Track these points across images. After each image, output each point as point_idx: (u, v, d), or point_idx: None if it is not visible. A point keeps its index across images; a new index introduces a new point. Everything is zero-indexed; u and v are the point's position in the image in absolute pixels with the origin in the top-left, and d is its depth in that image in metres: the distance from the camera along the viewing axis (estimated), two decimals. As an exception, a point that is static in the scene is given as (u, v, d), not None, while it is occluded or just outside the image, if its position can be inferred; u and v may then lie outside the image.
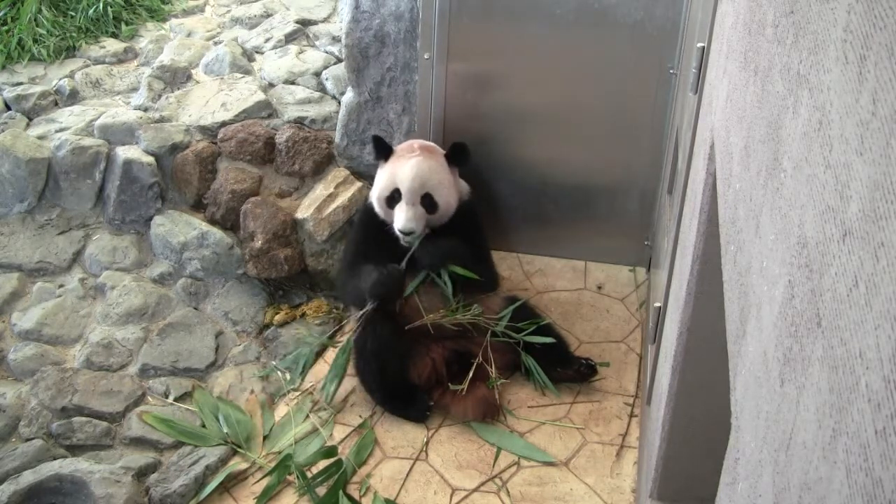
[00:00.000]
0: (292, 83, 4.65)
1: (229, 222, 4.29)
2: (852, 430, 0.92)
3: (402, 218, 3.73)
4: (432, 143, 3.96)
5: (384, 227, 3.86)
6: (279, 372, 3.93)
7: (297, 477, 3.41)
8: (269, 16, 5.21)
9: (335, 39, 4.84)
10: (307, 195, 4.36)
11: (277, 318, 4.15)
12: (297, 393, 3.83)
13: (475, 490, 3.47)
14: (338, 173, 4.38)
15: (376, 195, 3.84)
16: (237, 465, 3.54)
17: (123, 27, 5.15)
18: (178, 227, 4.24)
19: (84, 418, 3.67)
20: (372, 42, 4.10)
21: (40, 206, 4.34)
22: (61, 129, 4.41)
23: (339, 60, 4.69)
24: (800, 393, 1.13)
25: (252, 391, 3.84)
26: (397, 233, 3.76)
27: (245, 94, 4.54)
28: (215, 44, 5.00)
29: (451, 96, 4.11)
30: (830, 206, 1.08)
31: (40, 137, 4.38)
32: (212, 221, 4.29)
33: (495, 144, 4.22)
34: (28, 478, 3.35)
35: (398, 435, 3.68)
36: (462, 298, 3.81)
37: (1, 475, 3.39)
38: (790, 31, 1.40)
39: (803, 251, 1.18)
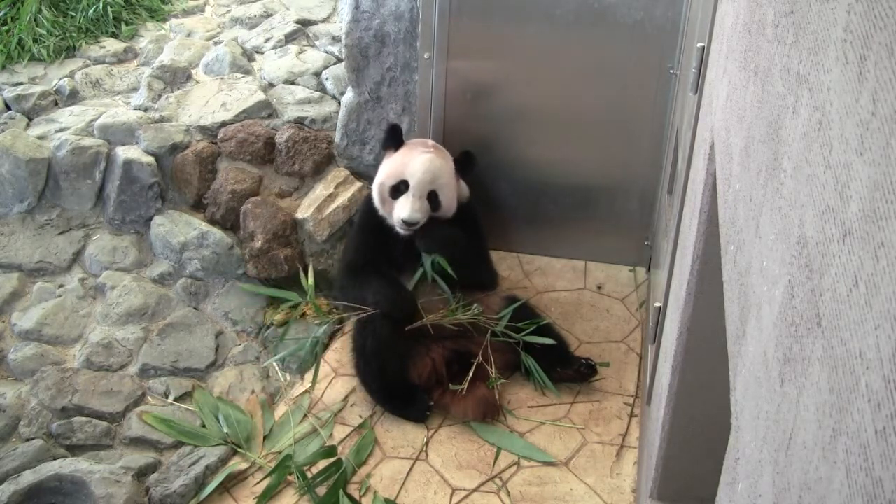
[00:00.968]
0: (292, 83, 4.65)
1: (229, 222, 4.29)
2: (852, 430, 0.92)
3: (407, 207, 3.73)
4: (443, 147, 3.97)
5: (385, 227, 3.86)
6: (278, 371, 3.93)
7: (297, 477, 3.41)
8: (269, 16, 5.22)
9: (335, 39, 4.84)
10: (307, 195, 4.36)
11: (277, 318, 4.15)
12: (297, 394, 3.83)
13: (475, 490, 3.47)
14: (338, 173, 4.38)
15: (379, 183, 3.83)
16: (237, 465, 3.54)
17: (123, 27, 5.15)
18: (178, 227, 4.24)
19: (84, 418, 3.67)
20: (372, 42, 4.10)
21: (40, 206, 4.34)
22: (61, 129, 4.41)
23: (339, 60, 4.69)
24: (800, 393, 1.13)
25: (252, 391, 3.85)
26: (398, 223, 3.75)
27: (245, 94, 4.54)
28: (215, 44, 5.00)
29: (451, 96, 4.11)
30: (830, 206, 1.08)
31: (40, 137, 4.38)
32: (212, 221, 4.29)
33: (495, 144, 4.22)
34: (28, 478, 3.35)
35: (398, 435, 3.68)
36: (462, 298, 3.81)
37: (1, 475, 3.39)
38: (790, 31, 1.40)
39: (803, 251, 1.18)
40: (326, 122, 4.43)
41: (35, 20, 4.94)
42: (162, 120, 4.44)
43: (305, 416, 3.73)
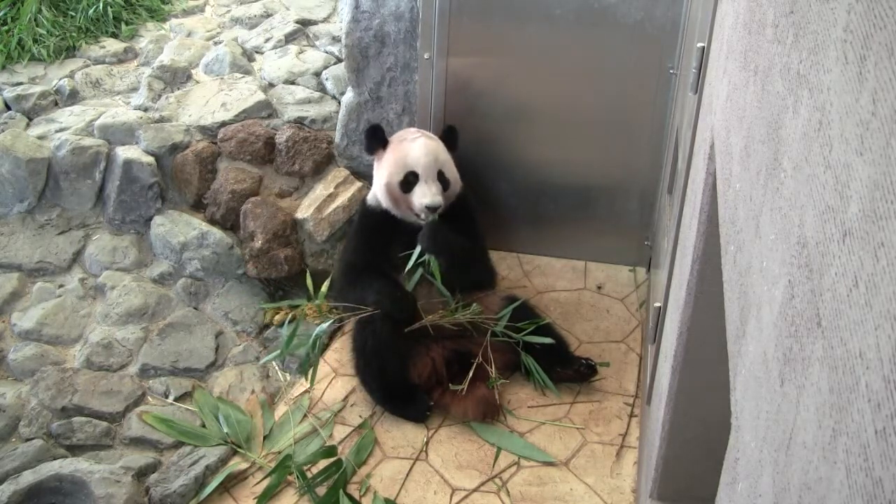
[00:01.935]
0: (292, 83, 4.65)
1: (229, 222, 4.29)
2: (852, 430, 0.92)
3: (427, 194, 3.76)
4: (425, 130, 3.99)
5: (384, 229, 3.86)
6: (278, 371, 3.93)
7: (297, 477, 3.41)
8: (269, 16, 5.22)
9: (335, 39, 4.84)
10: (307, 195, 4.36)
11: (277, 318, 4.16)
12: (297, 394, 3.83)
13: (475, 490, 3.47)
14: (338, 173, 4.38)
15: (385, 183, 3.82)
16: (237, 465, 3.54)
17: (123, 27, 5.15)
18: (178, 227, 4.24)
19: (84, 418, 3.67)
20: (372, 42, 4.10)
21: (40, 206, 4.34)
22: (61, 129, 4.41)
23: (339, 60, 4.69)
24: (800, 393, 1.13)
25: (252, 391, 3.85)
26: (422, 211, 3.76)
27: (245, 94, 4.54)
28: (215, 44, 5.00)
29: (451, 96, 4.11)
30: (830, 206, 1.08)
31: (40, 137, 4.38)
32: (212, 221, 4.29)
33: (495, 144, 4.22)
34: (28, 478, 3.35)
35: (398, 435, 3.68)
36: (461, 298, 3.81)
37: (1, 475, 3.39)
38: (790, 31, 1.40)
39: (803, 251, 1.18)
40: (326, 122, 4.43)
41: (35, 20, 4.94)
42: (162, 120, 4.44)
43: (305, 416, 3.73)
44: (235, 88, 4.58)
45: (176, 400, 3.80)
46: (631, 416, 3.75)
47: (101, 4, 5.10)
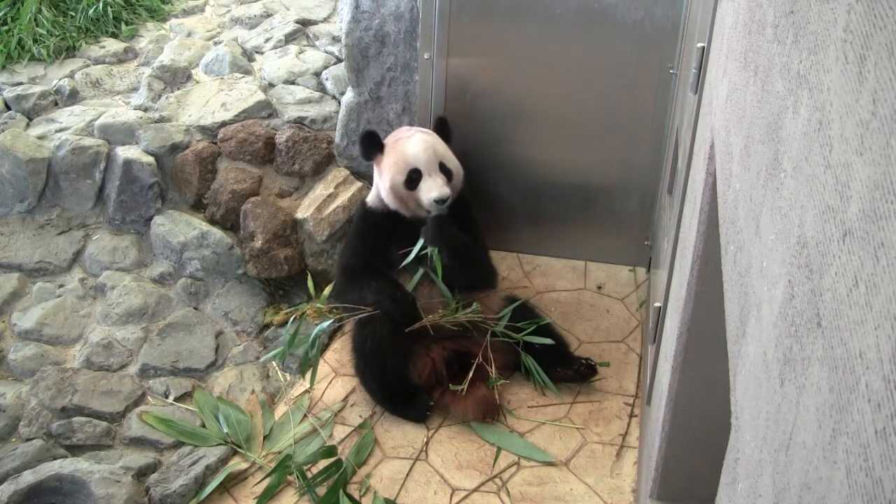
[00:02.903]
0: (292, 83, 4.65)
1: (229, 222, 4.29)
2: (852, 430, 0.92)
3: (433, 187, 3.77)
4: (418, 126, 4.00)
5: (384, 230, 3.86)
6: (278, 371, 3.93)
7: (297, 477, 3.41)
8: (269, 16, 5.22)
9: (335, 39, 4.84)
10: (307, 195, 4.36)
11: (277, 318, 4.15)
12: (297, 394, 3.83)
13: (475, 490, 3.47)
14: (338, 173, 4.38)
15: (390, 185, 3.82)
16: (237, 465, 3.54)
17: (123, 27, 5.15)
18: (178, 227, 4.24)
19: (84, 418, 3.67)
20: (372, 42, 4.10)
21: (40, 206, 4.34)
22: (61, 129, 4.41)
23: (339, 60, 4.69)
24: (800, 393, 1.13)
25: (252, 391, 3.85)
26: (430, 205, 3.77)
27: (245, 94, 4.54)
28: (215, 44, 5.00)
29: (451, 96, 4.11)
30: (830, 206, 1.08)
31: (40, 137, 4.38)
32: (212, 221, 4.29)
33: (495, 144, 4.22)
34: (28, 478, 3.35)
35: (398, 435, 3.68)
36: (461, 298, 3.81)
37: (1, 475, 3.39)
38: (790, 31, 1.40)
39: (803, 251, 1.18)
40: (326, 122, 4.43)
41: (35, 20, 4.94)
42: (162, 120, 4.44)
43: (305, 416, 3.73)
44: (235, 88, 4.58)
45: (176, 400, 3.80)
46: (631, 416, 3.75)
47: (101, 4, 5.10)
